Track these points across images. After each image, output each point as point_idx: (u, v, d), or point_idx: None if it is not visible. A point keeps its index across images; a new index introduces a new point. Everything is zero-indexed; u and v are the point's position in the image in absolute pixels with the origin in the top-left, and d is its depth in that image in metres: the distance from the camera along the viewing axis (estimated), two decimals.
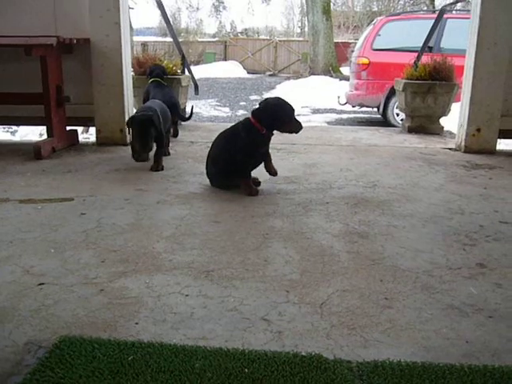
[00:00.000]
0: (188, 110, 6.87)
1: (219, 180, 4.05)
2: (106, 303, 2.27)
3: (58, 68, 5.20)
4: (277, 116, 3.75)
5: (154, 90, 5.75)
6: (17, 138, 8.13)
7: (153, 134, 4.21)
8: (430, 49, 8.89)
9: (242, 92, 17.59)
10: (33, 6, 5.44)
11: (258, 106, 3.85)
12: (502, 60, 5.27)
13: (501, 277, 2.61)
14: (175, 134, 6.03)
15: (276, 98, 3.92)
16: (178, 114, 5.81)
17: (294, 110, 3.82)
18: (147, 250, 2.85)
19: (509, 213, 3.59)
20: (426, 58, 7.11)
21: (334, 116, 12.20)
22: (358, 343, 2.01)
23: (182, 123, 6.67)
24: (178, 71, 6.95)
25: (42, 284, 2.45)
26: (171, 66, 6.80)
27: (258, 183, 4.08)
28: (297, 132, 3.83)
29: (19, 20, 5.40)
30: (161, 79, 5.93)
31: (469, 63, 5.44)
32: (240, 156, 3.82)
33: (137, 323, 2.11)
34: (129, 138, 5.17)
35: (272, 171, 3.99)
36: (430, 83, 6.60)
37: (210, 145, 4.17)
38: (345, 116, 12.14)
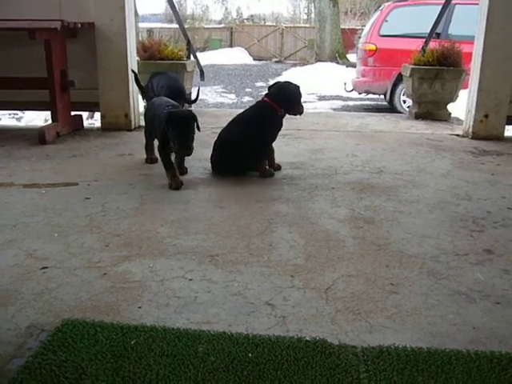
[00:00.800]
0: (194, 95, 6.82)
1: (237, 165, 3.98)
2: (109, 287, 2.25)
3: (62, 52, 5.16)
4: (290, 98, 3.89)
5: (158, 76, 5.70)
6: (22, 124, 8.11)
7: (194, 130, 3.77)
8: (438, 35, 8.79)
9: (247, 79, 17.50)
10: None
11: (272, 89, 3.97)
12: (510, 45, 5.19)
13: (508, 263, 2.58)
14: None
15: (287, 81, 4.05)
16: (183, 99, 5.77)
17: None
18: (151, 234, 2.83)
19: None
20: (433, 45, 7.03)
21: (341, 103, 12.12)
22: (363, 328, 1.99)
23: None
24: (184, 56, 6.90)
25: (45, 268, 2.43)
26: (176, 50, 6.75)
27: (280, 168, 4.12)
28: (301, 114, 3.97)
29: (23, 4, 5.35)
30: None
31: (477, 48, 5.37)
32: (262, 138, 3.91)
33: (140, 307, 2.09)
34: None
35: (275, 166, 4.06)
36: (438, 69, 6.52)
37: (222, 131, 4.18)
38: (351, 103, 12.06)
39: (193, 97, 6.10)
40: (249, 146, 3.88)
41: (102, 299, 2.15)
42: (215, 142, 4.10)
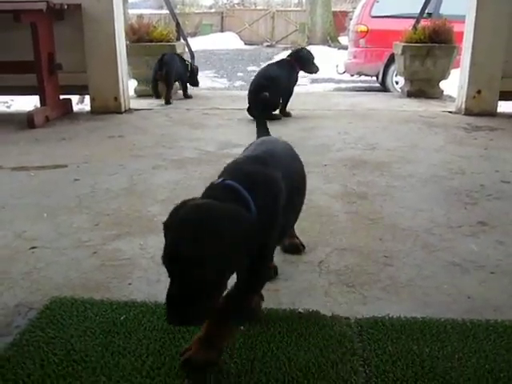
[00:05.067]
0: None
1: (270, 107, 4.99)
2: (98, 265, 2.22)
3: (49, 35, 5.09)
4: (309, 59, 5.43)
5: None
6: (11, 110, 8.02)
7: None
8: (430, 15, 8.72)
9: (239, 63, 17.39)
10: None
11: (292, 52, 5.49)
12: (502, 20, 5.15)
13: (502, 234, 2.56)
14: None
15: (302, 47, 5.85)
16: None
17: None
18: (141, 213, 2.79)
19: (510, 172, 3.53)
20: (425, 24, 6.97)
21: (333, 85, 12.04)
22: (356, 300, 1.96)
23: (179, 91, 6.62)
24: (173, 38, 6.83)
25: (34, 248, 2.40)
26: (165, 32, 6.68)
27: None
28: (316, 72, 5.63)
29: None
30: None
31: (469, 24, 5.32)
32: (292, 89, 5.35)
33: (130, 284, 2.06)
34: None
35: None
36: (430, 46, 6.47)
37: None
38: (343, 85, 11.98)
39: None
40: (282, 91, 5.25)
41: (91, 277, 2.12)
42: None
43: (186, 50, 7.36)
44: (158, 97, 6.11)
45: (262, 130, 2.31)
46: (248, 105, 5.12)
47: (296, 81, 5.48)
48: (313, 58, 5.54)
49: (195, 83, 6.62)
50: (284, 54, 19.81)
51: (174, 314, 1.40)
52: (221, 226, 1.39)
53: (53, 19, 5.11)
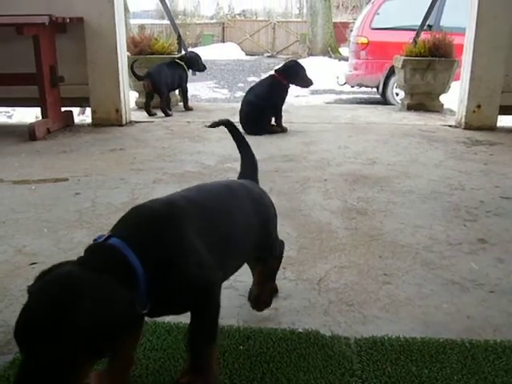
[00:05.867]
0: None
1: (263, 125, 5.12)
2: None
3: (51, 48, 5.11)
4: (297, 73, 5.27)
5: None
6: (12, 120, 8.05)
7: None
8: (430, 27, 8.76)
9: (240, 74, 17.43)
10: None
11: (279, 67, 5.33)
12: (502, 34, 5.18)
13: (502, 252, 2.56)
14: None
15: (293, 60, 5.60)
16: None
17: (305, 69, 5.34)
18: None
19: (510, 188, 3.54)
20: (425, 37, 7.01)
21: (333, 97, 12.08)
22: (356, 319, 1.96)
23: (179, 103, 6.65)
24: (175, 51, 6.87)
25: (35, 263, 2.40)
26: (167, 45, 6.72)
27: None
28: (309, 86, 5.52)
29: None
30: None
31: (469, 38, 5.35)
32: (281, 102, 5.28)
33: None
34: None
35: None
36: (430, 59, 6.50)
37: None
38: (344, 96, 12.02)
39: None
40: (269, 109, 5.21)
41: None
42: None
43: None
44: (148, 113, 6.10)
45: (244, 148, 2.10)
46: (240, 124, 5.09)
47: (283, 96, 5.32)
48: (303, 72, 5.35)
49: (200, 69, 6.62)
50: None
51: None
52: (80, 304, 1.18)
53: (55, 32, 5.14)
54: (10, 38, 5.10)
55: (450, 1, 9.66)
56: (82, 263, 1.32)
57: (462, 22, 6.03)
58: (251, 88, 5.40)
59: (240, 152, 2.09)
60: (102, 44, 5.28)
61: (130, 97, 5.88)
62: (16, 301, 2.07)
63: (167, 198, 1.61)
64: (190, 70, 6.53)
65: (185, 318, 1.88)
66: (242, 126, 5.02)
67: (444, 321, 1.97)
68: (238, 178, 2.01)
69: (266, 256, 1.91)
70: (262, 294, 1.93)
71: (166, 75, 6.03)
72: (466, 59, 5.41)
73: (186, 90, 6.45)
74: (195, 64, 6.40)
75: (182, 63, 6.24)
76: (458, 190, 3.48)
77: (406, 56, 6.68)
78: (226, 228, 1.62)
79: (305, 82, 5.39)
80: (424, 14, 7.52)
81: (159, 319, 1.87)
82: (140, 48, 6.47)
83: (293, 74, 5.28)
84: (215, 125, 2.07)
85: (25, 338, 1.19)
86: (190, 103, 6.61)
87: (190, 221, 1.49)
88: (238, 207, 1.73)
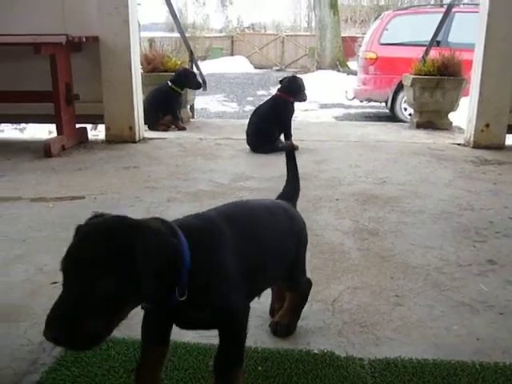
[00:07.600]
0: (196, 106, 6.91)
1: (270, 143, 5.11)
2: None
3: (67, 66, 5.22)
4: (300, 87, 5.35)
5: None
6: (25, 135, 8.16)
7: None
8: (438, 43, 8.84)
9: (249, 87, 17.56)
10: (42, 4, 5.48)
11: (283, 83, 5.39)
12: (510, 55, 5.25)
13: (511, 273, 2.61)
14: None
15: (292, 75, 5.61)
16: None
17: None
18: None
19: None
20: (433, 53, 7.10)
21: (342, 111, 12.16)
22: (369, 340, 2.02)
23: (191, 120, 6.75)
24: (187, 67, 6.97)
25: (56, 283, 2.46)
26: (179, 62, 6.83)
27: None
28: (304, 100, 5.52)
29: (29, 19, 5.41)
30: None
31: (477, 58, 5.42)
32: (289, 120, 5.34)
33: None
34: None
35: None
36: (439, 78, 6.58)
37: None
38: (352, 111, 12.11)
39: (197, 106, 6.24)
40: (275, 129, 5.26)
41: None
42: None
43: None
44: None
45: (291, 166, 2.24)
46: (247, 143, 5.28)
47: (291, 112, 5.40)
48: (304, 86, 5.43)
49: (197, 86, 6.59)
50: None
51: (50, 326, 1.22)
52: (132, 234, 1.27)
53: (71, 51, 5.25)
54: (25, 56, 5.22)
55: (458, 17, 9.73)
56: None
57: (469, 38, 6.10)
58: (257, 108, 5.48)
59: (287, 174, 2.21)
60: (116, 62, 5.39)
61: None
62: (40, 320, 2.13)
63: (213, 216, 1.67)
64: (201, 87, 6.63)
65: (205, 339, 1.95)
66: (249, 145, 5.13)
67: (454, 343, 2.02)
68: (277, 198, 2.10)
69: (294, 281, 1.98)
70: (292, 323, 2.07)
71: (157, 102, 6.23)
72: (475, 79, 5.48)
73: (175, 113, 6.39)
74: (186, 82, 6.26)
75: (173, 86, 6.23)
76: (468, 211, 3.53)
77: (415, 74, 6.75)
78: (264, 253, 1.70)
79: (304, 97, 5.48)
80: (434, 32, 7.60)
81: (179, 339, 1.94)
82: (153, 65, 6.58)
83: (296, 88, 5.36)
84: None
85: (75, 267, 1.22)
86: (200, 118, 6.69)
87: (231, 244, 1.57)
88: (278, 231, 1.81)
